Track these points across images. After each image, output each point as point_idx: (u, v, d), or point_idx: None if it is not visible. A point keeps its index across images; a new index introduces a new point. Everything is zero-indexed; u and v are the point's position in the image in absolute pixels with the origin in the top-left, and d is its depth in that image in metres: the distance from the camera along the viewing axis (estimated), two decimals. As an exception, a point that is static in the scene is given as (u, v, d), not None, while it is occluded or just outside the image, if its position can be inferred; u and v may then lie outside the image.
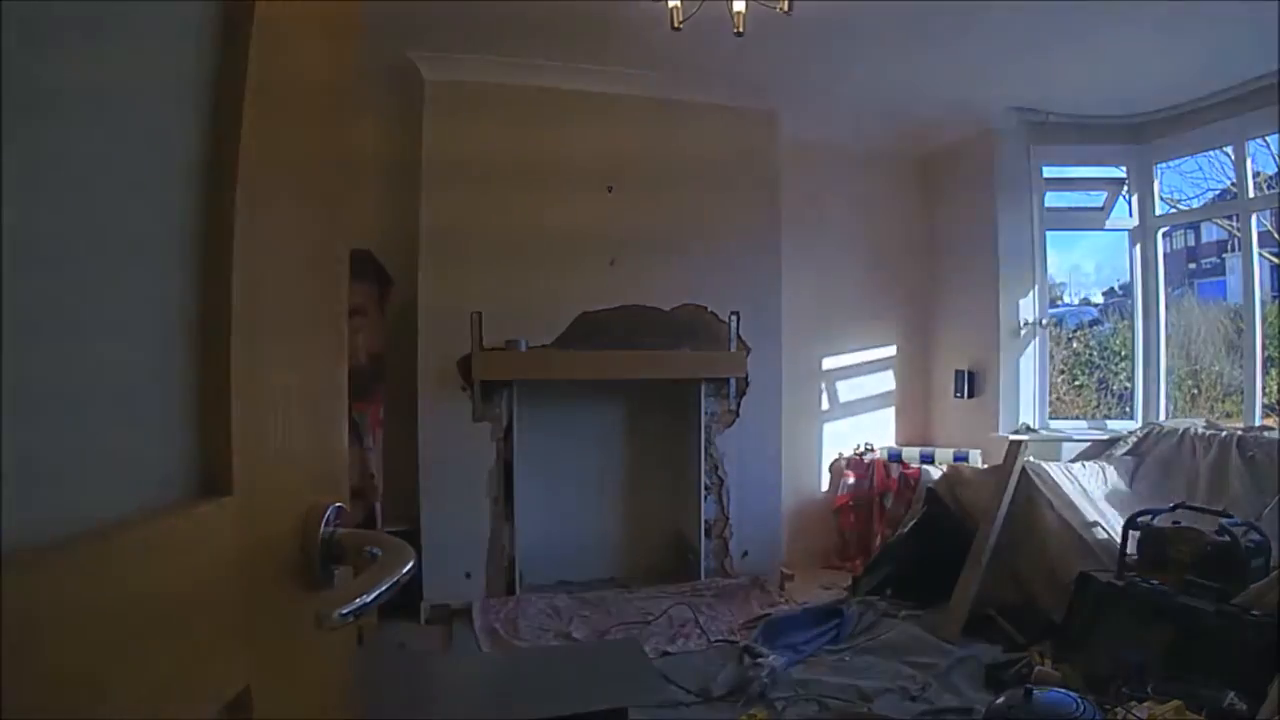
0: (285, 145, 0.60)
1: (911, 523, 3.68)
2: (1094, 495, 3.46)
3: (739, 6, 2.59)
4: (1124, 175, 4.36)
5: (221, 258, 0.51)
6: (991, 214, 4.24)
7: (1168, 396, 4.25)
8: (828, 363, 4.61)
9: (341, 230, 0.70)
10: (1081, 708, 2.10)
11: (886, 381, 4.75)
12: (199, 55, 0.51)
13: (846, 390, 4.65)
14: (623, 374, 3.75)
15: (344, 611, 0.53)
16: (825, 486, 4.57)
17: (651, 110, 3.77)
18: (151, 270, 0.48)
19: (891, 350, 4.75)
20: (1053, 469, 3.47)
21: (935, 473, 3.88)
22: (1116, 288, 4.73)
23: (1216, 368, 4.27)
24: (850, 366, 4.66)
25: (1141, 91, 3.86)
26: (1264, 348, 3.79)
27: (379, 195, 3.61)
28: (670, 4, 2.62)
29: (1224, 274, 4.51)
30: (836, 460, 4.59)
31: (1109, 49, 3.33)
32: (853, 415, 4.65)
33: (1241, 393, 3.92)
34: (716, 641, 3.08)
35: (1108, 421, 4.41)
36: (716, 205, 3.86)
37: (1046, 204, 4.38)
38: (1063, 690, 2.27)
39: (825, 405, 4.61)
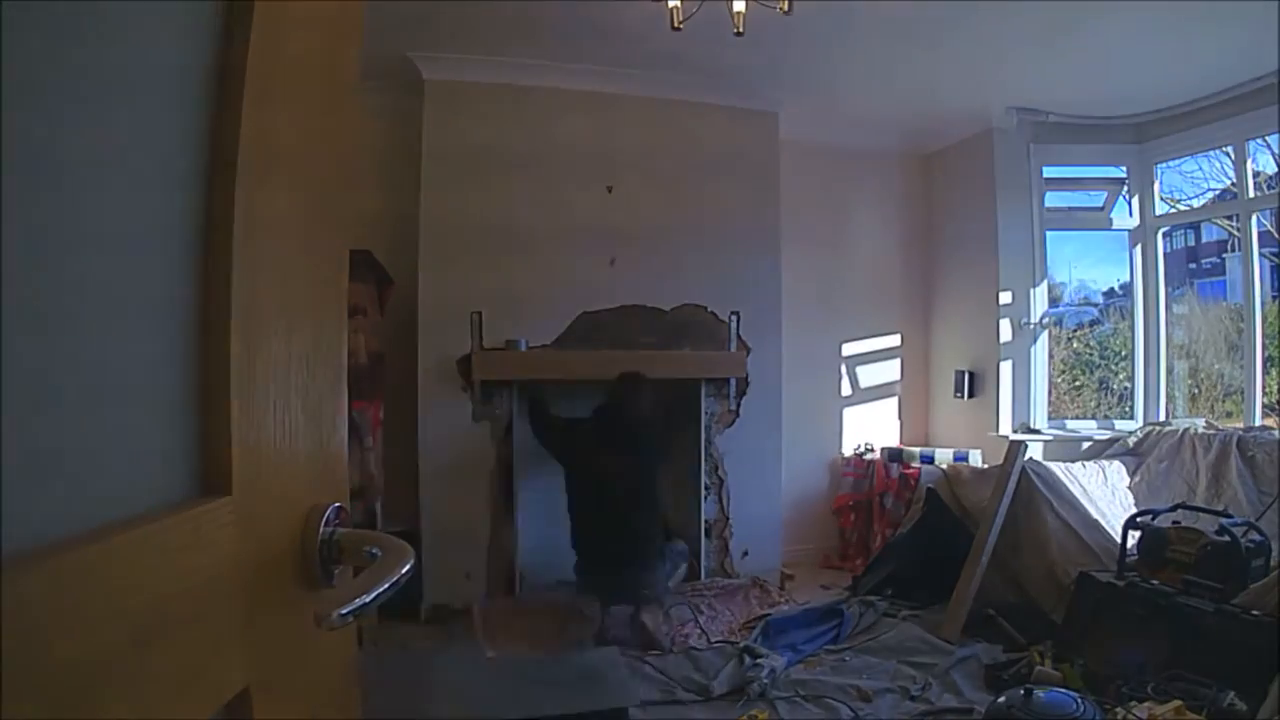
0: (286, 145, 0.60)
1: (911, 523, 3.69)
2: (1094, 495, 3.46)
3: (739, 6, 2.59)
4: (1124, 175, 4.36)
5: (220, 257, 0.51)
6: (992, 214, 4.24)
7: (1168, 396, 4.25)
8: (832, 358, 4.61)
9: (341, 230, 0.70)
10: (1081, 708, 2.11)
11: (889, 380, 4.75)
12: (199, 52, 0.51)
13: (849, 385, 4.66)
14: (623, 374, 3.75)
15: (343, 612, 0.53)
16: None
17: (651, 110, 3.77)
18: (150, 270, 0.48)
19: (892, 349, 4.75)
20: (1053, 469, 3.47)
21: (935, 473, 3.87)
22: (1116, 288, 4.73)
23: (1216, 368, 4.27)
24: (853, 357, 4.66)
25: (1141, 91, 3.86)
26: (1264, 348, 3.79)
27: (379, 195, 3.61)
28: (670, 4, 2.62)
29: (1224, 274, 4.51)
30: (836, 460, 4.59)
31: (1109, 49, 3.33)
32: (865, 404, 4.66)
33: (1241, 393, 3.92)
34: (716, 642, 3.08)
35: (1107, 421, 4.41)
36: (717, 205, 3.86)
37: (1046, 204, 4.38)
38: (1063, 690, 2.27)
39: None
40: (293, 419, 0.61)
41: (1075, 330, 4.88)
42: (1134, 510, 3.16)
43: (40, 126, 0.39)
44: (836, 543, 4.48)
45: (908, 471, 4.16)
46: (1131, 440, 3.93)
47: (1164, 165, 4.28)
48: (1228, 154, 3.99)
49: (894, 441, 4.66)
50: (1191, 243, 4.82)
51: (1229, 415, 4.04)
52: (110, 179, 0.44)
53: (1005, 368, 4.24)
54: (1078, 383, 4.79)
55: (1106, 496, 3.50)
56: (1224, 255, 4.55)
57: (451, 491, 3.50)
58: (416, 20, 3.11)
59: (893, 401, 4.74)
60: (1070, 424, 4.40)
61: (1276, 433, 3.47)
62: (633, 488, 3.15)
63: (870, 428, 4.64)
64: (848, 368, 4.64)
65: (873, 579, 3.61)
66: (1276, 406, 3.81)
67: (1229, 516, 2.76)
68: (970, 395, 4.41)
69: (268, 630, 0.56)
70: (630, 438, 3.19)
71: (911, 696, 2.56)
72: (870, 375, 4.69)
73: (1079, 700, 2.15)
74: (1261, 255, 3.84)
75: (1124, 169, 4.35)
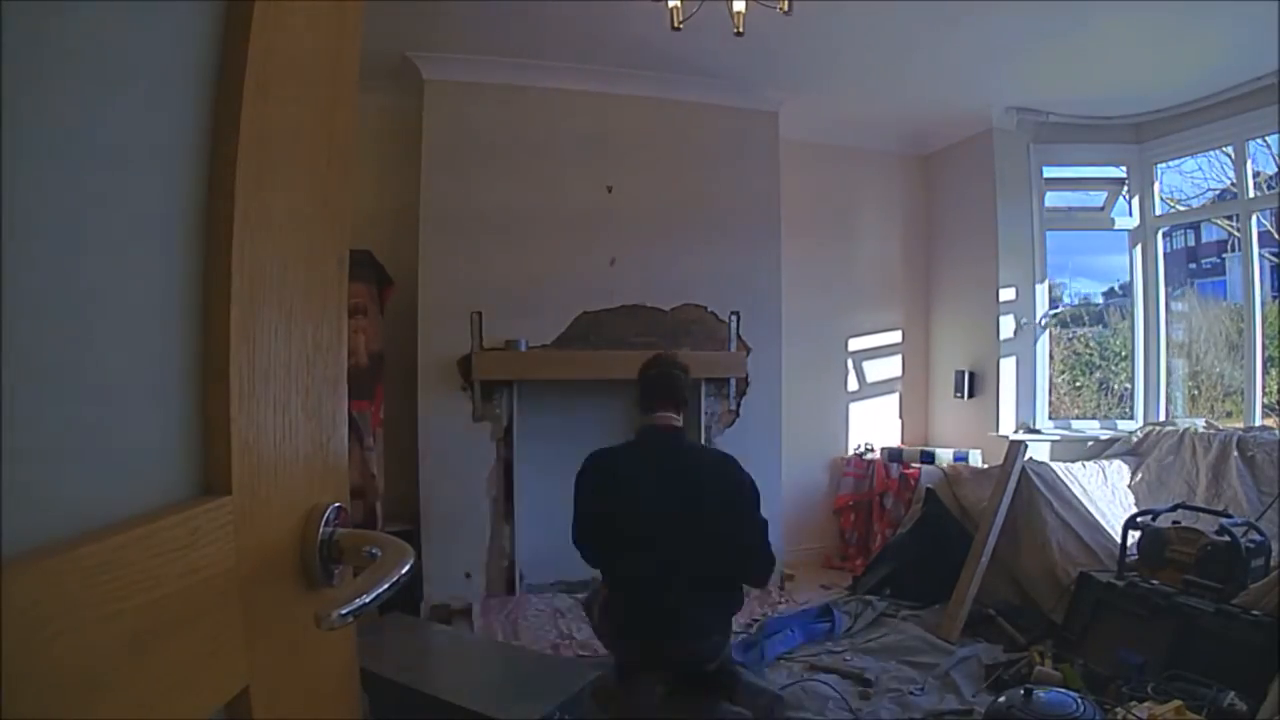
0: (286, 145, 0.60)
1: (911, 523, 3.69)
2: (1094, 495, 3.46)
3: (739, 6, 2.59)
4: (1124, 175, 4.36)
5: (220, 256, 0.52)
6: (992, 214, 4.24)
7: (1168, 396, 4.25)
8: (834, 356, 4.61)
9: (341, 230, 0.70)
10: (1081, 708, 2.11)
11: (892, 376, 4.75)
12: (199, 51, 0.51)
13: (856, 380, 4.66)
14: (623, 374, 3.73)
15: (343, 612, 0.53)
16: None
17: (651, 110, 3.77)
18: (149, 270, 0.48)
19: (894, 345, 4.75)
20: (1053, 469, 3.47)
21: (935, 473, 3.87)
22: (1116, 288, 4.73)
23: (1217, 368, 4.27)
24: (860, 352, 4.67)
25: (1141, 91, 3.86)
26: (1264, 348, 3.78)
27: (379, 195, 3.61)
28: (670, 4, 2.62)
29: (1224, 274, 4.51)
30: (836, 460, 4.59)
31: (1109, 49, 3.33)
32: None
33: (1241, 393, 3.92)
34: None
35: (1107, 421, 4.41)
36: (716, 205, 3.86)
37: (1046, 204, 4.38)
38: (1063, 690, 2.27)
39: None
40: (293, 419, 0.61)
41: (1076, 332, 4.88)
42: (1134, 510, 3.16)
43: (39, 125, 0.39)
44: (836, 543, 4.48)
45: (908, 471, 4.16)
46: (1131, 440, 3.93)
47: (1164, 165, 4.28)
48: (1228, 154, 3.99)
49: (894, 441, 4.67)
50: (1191, 243, 4.82)
51: (1229, 415, 4.04)
52: (110, 179, 0.44)
53: (1005, 368, 4.25)
54: (1078, 383, 4.79)
55: (1106, 496, 3.50)
56: (1224, 255, 4.55)
57: (451, 492, 3.50)
58: (416, 20, 3.11)
59: (894, 400, 4.75)
60: (1071, 424, 4.40)
61: (1276, 433, 3.47)
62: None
63: (871, 427, 4.64)
64: (854, 362, 4.65)
65: (873, 579, 3.61)
66: (1276, 406, 3.81)
67: (1229, 516, 2.77)
68: (970, 395, 4.41)
69: (268, 630, 0.56)
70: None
71: (911, 695, 2.56)
72: (874, 372, 4.70)
73: (1079, 700, 2.15)
74: (1261, 255, 3.84)
75: (1124, 169, 4.35)
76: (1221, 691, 2.18)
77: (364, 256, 3.23)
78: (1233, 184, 4.01)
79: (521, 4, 2.99)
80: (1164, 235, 4.37)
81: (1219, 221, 4.41)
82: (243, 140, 0.52)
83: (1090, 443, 4.11)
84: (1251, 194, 3.83)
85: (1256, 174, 3.88)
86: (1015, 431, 4.15)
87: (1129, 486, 3.63)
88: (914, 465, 4.22)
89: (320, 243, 0.67)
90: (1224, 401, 4.19)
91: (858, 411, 4.65)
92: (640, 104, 3.75)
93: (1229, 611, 2.42)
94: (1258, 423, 3.72)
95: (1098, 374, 4.75)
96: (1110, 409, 4.59)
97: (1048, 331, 4.39)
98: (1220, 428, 3.67)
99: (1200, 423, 3.80)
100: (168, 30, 0.49)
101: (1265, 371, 3.82)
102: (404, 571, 0.58)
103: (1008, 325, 4.25)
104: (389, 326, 3.47)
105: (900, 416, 4.75)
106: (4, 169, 0.35)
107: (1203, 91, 3.77)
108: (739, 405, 3.92)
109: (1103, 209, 4.46)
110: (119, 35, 0.44)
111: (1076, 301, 4.89)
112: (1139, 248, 4.32)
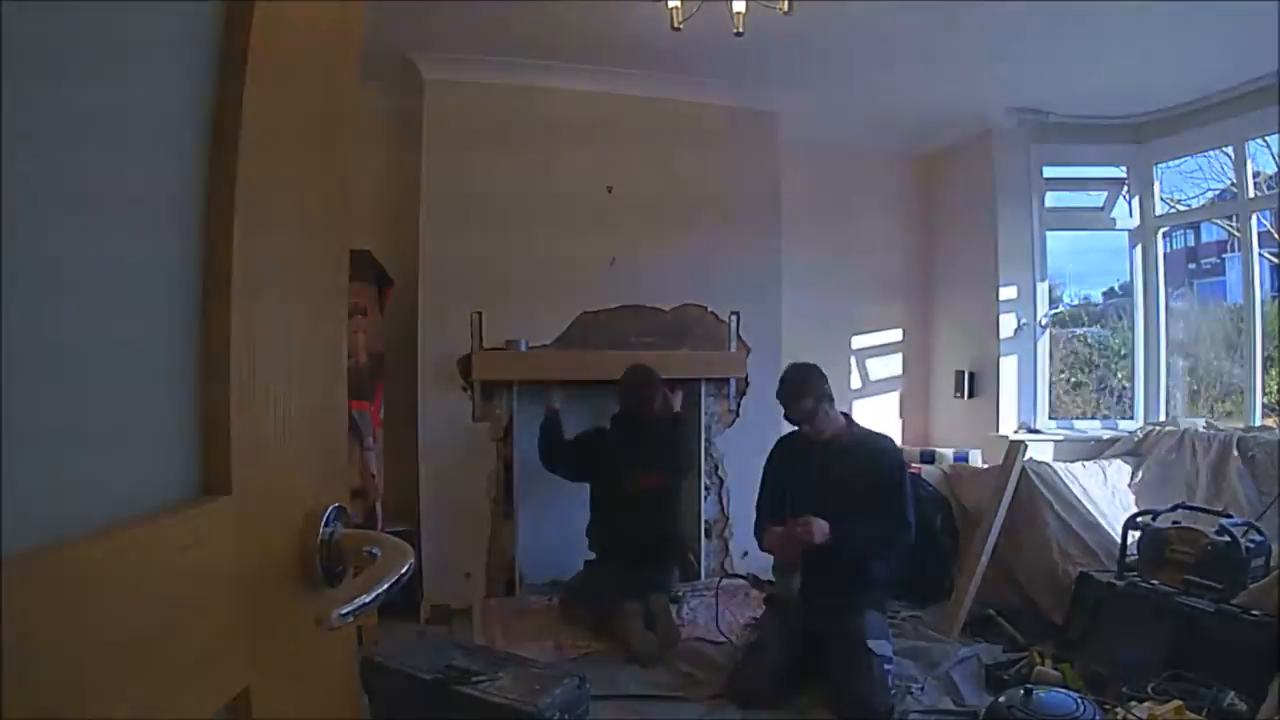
0: (286, 145, 0.60)
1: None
2: (1094, 495, 3.46)
3: (739, 7, 2.60)
4: (1124, 175, 4.36)
5: (221, 256, 0.52)
6: (991, 214, 4.23)
7: (1168, 396, 4.25)
8: (836, 355, 4.61)
9: (341, 229, 0.70)
10: (1081, 708, 2.10)
11: (893, 374, 4.75)
12: (200, 51, 0.51)
13: (860, 378, 4.68)
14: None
15: (344, 612, 0.53)
16: None
17: (651, 110, 3.77)
18: (150, 270, 0.48)
19: (895, 344, 4.75)
20: (1053, 469, 3.47)
21: (935, 473, 3.87)
22: (1116, 288, 4.73)
23: (1216, 367, 4.27)
24: (863, 350, 4.68)
25: (1141, 91, 3.86)
26: (1264, 348, 3.78)
27: (379, 195, 3.61)
28: (670, 4, 2.62)
29: (1224, 274, 4.51)
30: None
31: (1109, 49, 3.32)
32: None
33: (1241, 393, 3.92)
34: (718, 642, 3.07)
35: (1108, 421, 4.41)
36: (716, 205, 3.86)
37: (1046, 204, 4.37)
38: (1063, 690, 2.27)
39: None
40: (293, 419, 0.61)
41: (1076, 332, 4.88)
42: (1134, 510, 3.16)
43: (41, 121, 0.39)
44: (836, 543, 4.48)
45: (908, 471, 4.16)
46: (1131, 440, 3.93)
47: (1164, 165, 4.28)
48: (1228, 154, 3.99)
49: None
50: (1191, 243, 4.82)
51: (1229, 415, 4.04)
52: (109, 178, 0.44)
53: (1005, 368, 4.24)
54: (1074, 380, 4.78)
55: (1106, 496, 3.50)
56: (1224, 255, 4.54)
57: (451, 491, 3.50)
58: (416, 20, 3.11)
59: (894, 400, 4.74)
60: (1071, 424, 4.39)
61: (1276, 432, 3.47)
62: (657, 492, 3.27)
63: (871, 427, 4.64)
64: (858, 360, 4.65)
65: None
66: (1276, 406, 3.81)
67: (1229, 516, 2.77)
68: (970, 395, 4.41)
69: (268, 630, 0.56)
70: (650, 441, 3.26)
71: (911, 694, 2.56)
72: (874, 372, 4.71)
73: (1079, 700, 2.15)
74: (1261, 255, 3.84)
75: (1124, 169, 4.35)
76: (1221, 691, 2.18)
77: (364, 256, 3.23)
78: (1233, 184, 4.01)
79: (521, 4, 2.99)
80: (1164, 235, 4.37)
81: (1219, 221, 4.40)
82: (243, 139, 0.52)
83: (1090, 443, 4.10)
84: (1251, 194, 3.83)
85: (1256, 174, 3.87)
86: (1015, 431, 4.15)
87: (1129, 486, 3.62)
88: (914, 465, 4.22)
89: (320, 243, 0.67)
90: (1224, 401, 4.19)
91: (858, 411, 4.64)
92: (640, 104, 3.75)
93: (1229, 611, 2.42)
94: (1258, 423, 3.72)
95: (1097, 374, 4.75)
96: (1110, 409, 4.58)
97: (1048, 332, 4.39)
98: (1220, 428, 3.67)
99: (1200, 423, 3.80)
100: (169, 29, 0.49)
101: (1265, 371, 3.82)
102: (404, 571, 0.58)
103: (1008, 325, 4.25)
104: (389, 326, 3.47)
105: (900, 416, 4.74)
106: (5, 165, 0.35)
107: (1203, 91, 3.76)
108: (739, 405, 3.92)
109: (1103, 209, 4.45)
110: (121, 33, 0.44)
111: (1076, 301, 4.89)
112: (1139, 248, 4.32)
